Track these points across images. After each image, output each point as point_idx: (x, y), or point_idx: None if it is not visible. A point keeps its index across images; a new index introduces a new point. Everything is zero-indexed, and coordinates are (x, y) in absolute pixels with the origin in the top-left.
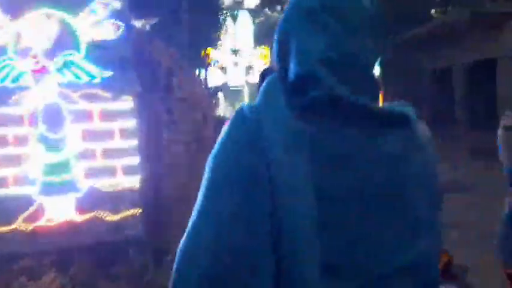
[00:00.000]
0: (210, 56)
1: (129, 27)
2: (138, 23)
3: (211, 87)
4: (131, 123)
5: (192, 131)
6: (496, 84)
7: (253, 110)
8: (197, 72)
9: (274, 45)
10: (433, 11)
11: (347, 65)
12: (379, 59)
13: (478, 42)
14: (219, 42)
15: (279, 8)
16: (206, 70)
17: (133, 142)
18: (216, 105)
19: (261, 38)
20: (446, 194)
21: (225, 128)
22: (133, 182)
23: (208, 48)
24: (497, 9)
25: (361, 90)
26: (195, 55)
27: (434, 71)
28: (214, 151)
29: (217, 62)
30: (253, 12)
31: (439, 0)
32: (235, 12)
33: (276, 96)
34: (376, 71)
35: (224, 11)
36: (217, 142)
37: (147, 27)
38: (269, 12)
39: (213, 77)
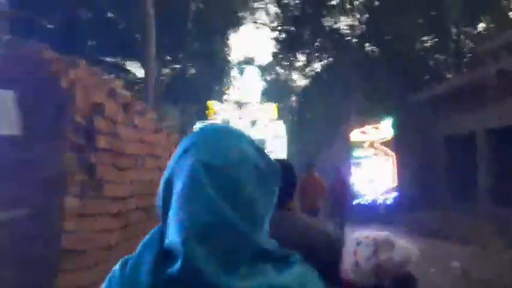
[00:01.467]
0: (212, 108)
1: None
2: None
3: None
4: None
5: (132, 195)
6: None
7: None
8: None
9: (160, 191)
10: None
11: (223, 233)
12: (271, 212)
13: (505, 104)
14: (224, 95)
15: (287, 64)
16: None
17: None
18: None
19: (270, 94)
20: None
21: None
22: None
23: (211, 101)
24: None
25: (235, 259)
26: (200, 107)
27: (455, 137)
28: None
29: (219, 114)
30: (263, 68)
31: (454, 61)
32: (242, 66)
33: (146, 259)
34: None
35: (230, 65)
36: None
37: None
38: (281, 70)
39: None
